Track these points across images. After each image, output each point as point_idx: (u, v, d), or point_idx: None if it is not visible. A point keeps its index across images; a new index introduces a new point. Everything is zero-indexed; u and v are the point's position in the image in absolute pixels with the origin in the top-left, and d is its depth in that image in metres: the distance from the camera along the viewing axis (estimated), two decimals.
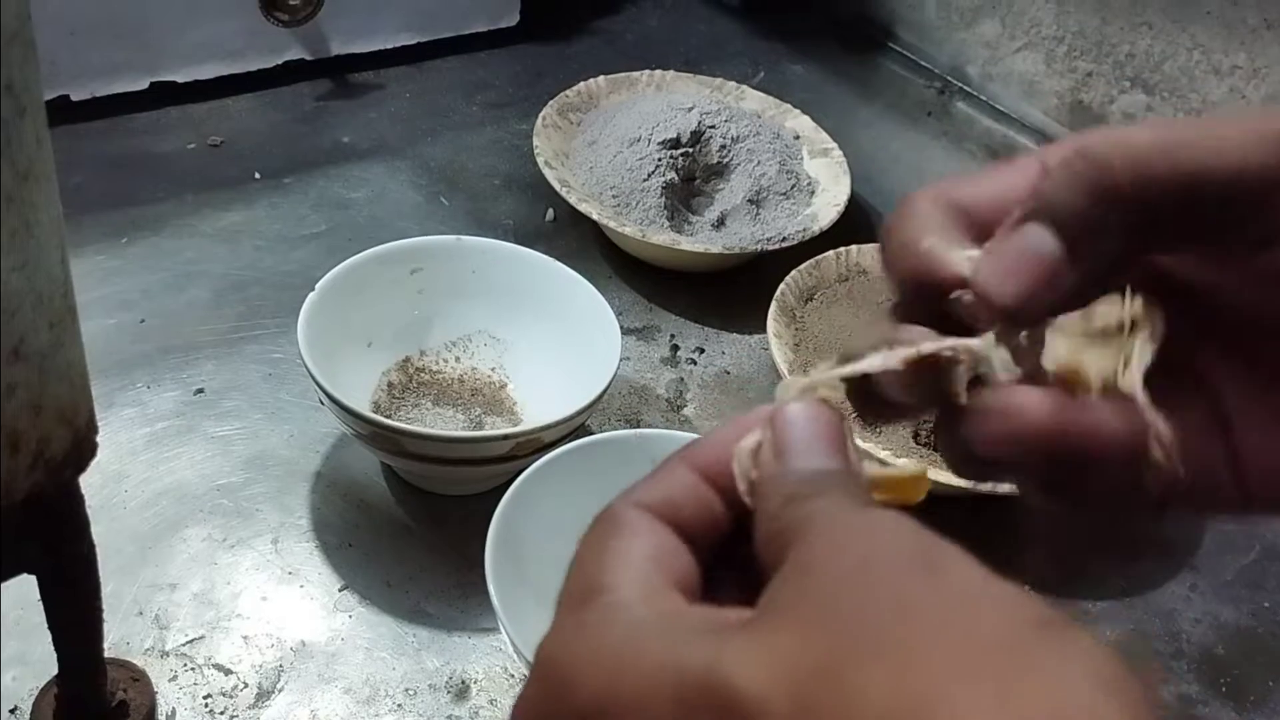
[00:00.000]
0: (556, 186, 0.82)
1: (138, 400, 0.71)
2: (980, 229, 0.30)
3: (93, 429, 0.45)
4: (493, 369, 0.73)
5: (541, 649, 0.26)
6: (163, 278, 0.79)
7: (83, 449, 0.44)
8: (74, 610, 0.49)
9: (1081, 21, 1.05)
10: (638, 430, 0.63)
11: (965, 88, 1.14)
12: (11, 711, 0.55)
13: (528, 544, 0.58)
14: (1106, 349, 0.28)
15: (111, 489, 0.66)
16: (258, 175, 0.89)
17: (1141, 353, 0.28)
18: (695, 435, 0.64)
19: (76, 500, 0.46)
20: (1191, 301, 0.30)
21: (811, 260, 0.78)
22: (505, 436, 0.62)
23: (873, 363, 0.29)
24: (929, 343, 0.29)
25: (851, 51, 1.18)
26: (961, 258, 0.29)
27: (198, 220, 0.84)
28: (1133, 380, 0.28)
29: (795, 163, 0.88)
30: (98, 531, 0.63)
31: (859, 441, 0.28)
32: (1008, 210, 0.29)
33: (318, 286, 0.67)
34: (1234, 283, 0.29)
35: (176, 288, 0.79)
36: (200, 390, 0.72)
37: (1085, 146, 0.28)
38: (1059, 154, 0.29)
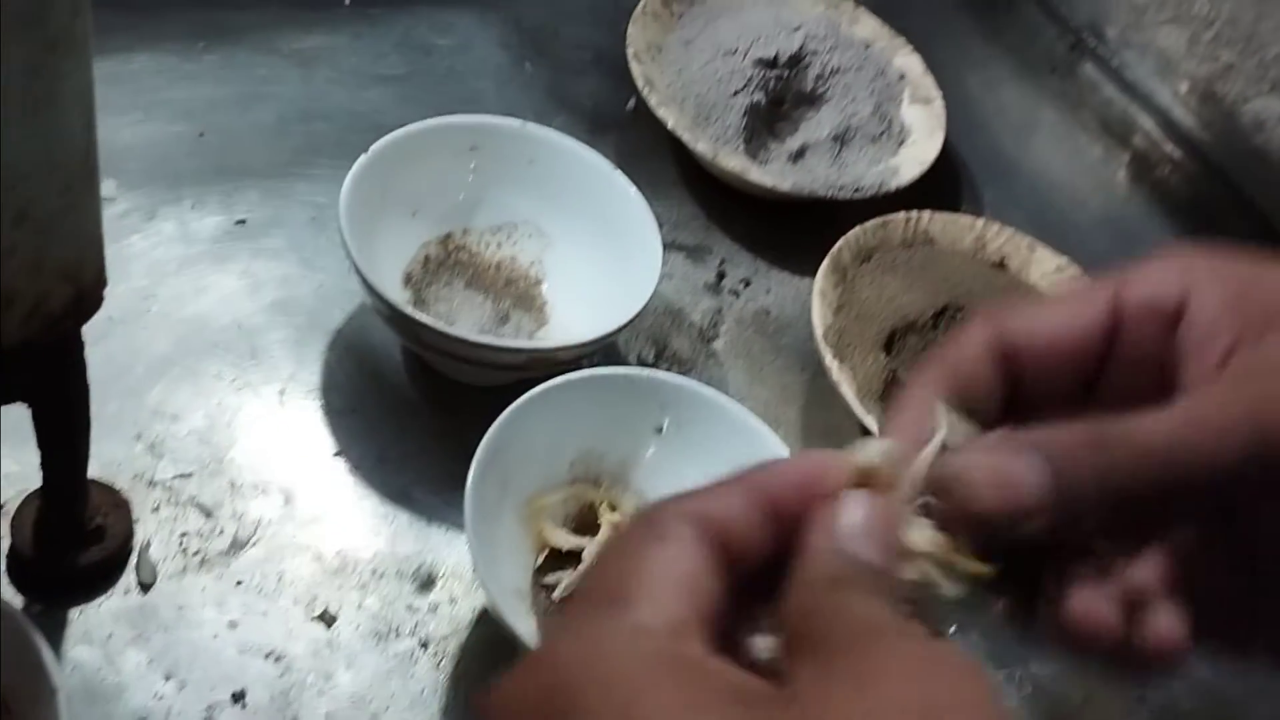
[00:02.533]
0: (639, 83, 0.79)
1: (180, 218, 0.71)
2: (1024, 371, 0.31)
3: (100, 283, 0.46)
4: (531, 263, 0.72)
5: (553, 647, 0.26)
6: (230, 92, 0.78)
7: (85, 304, 0.44)
8: (61, 443, 0.50)
9: (1237, 10, 0.98)
10: (653, 371, 0.62)
11: (1099, 49, 1.08)
12: None
13: (518, 460, 0.58)
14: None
15: (136, 305, 0.66)
16: (347, 0, 0.87)
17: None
18: (703, 388, 0.63)
19: (74, 347, 0.47)
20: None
21: (879, 219, 0.76)
22: (519, 350, 0.61)
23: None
24: None
25: None
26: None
27: (278, 37, 0.82)
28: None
29: (892, 106, 0.84)
30: (112, 348, 0.65)
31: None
32: (1061, 355, 0.31)
33: (370, 149, 0.66)
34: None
35: (242, 106, 0.78)
36: (242, 221, 0.72)
37: (1103, 439, 0.29)
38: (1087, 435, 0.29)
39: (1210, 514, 0.30)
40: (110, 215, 0.69)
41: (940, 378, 0.31)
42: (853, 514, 0.27)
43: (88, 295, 0.44)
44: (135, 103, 0.75)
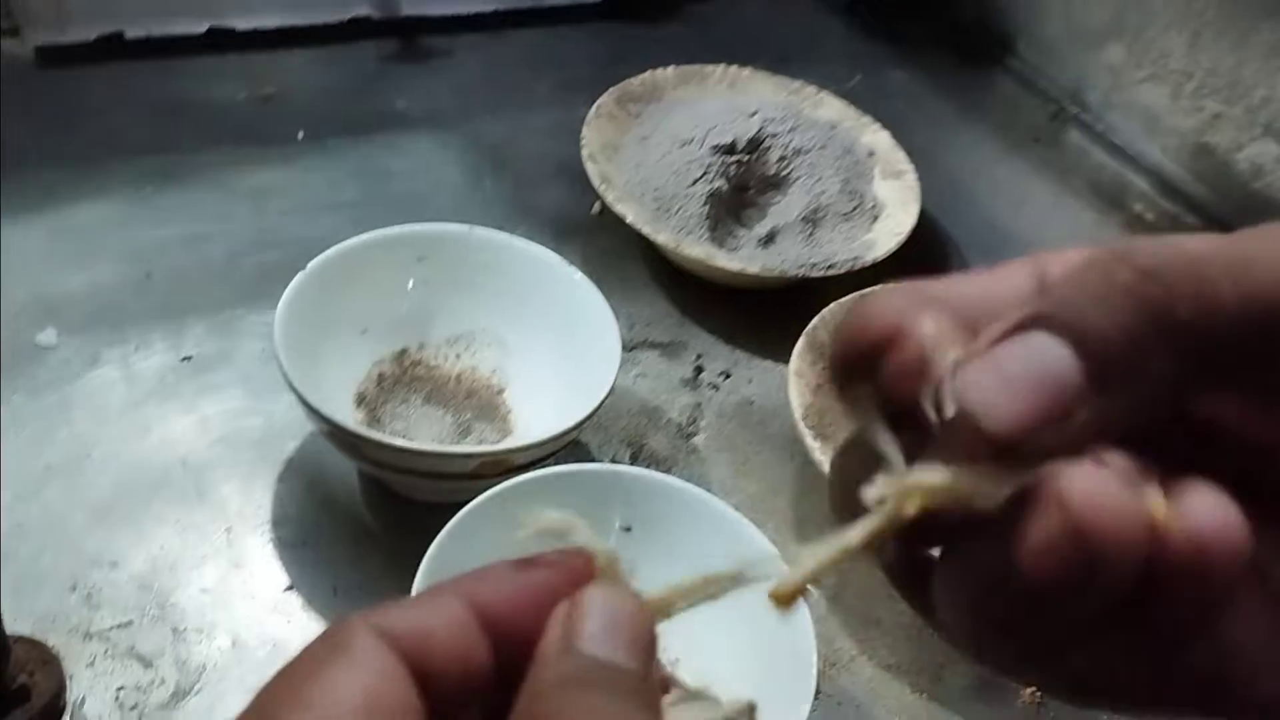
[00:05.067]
0: (595, 181, 0.77)
1: (124, 360, 0.68)
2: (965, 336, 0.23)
3: None
4: (492, 371, 0.69)
5: None
6: (179, 233, 0.76)
7: None
8: None
9: (1215, 59, 0.95)
10: (616, 466, 0.58)
11: (1082, 115, 1.05)
12: None
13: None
14: None
15: (76, 452, 0.63)
16: (301, 135, 0.86)
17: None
18: (671, 480, 0.58)
19: None
20: (1242, 460, 0.23)
21: (856, 294, 0.72)
22: (469, 455, 0.57)
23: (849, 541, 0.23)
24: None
25: (964, 62, 1.10)
26: (945, 358, 0.22)
27: (229, 176, 0.81)
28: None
29: (862, 182, 0.81)
30: (50, 496, 0.61)
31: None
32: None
33: (309, 266, 0.63)
34: None
35: (191, 244, 0.76)
36: (189, 358, 0.69)
37: (1131, 253, 0.21)
38: (1086, 259, 0.22)
39: None
40: (51, 363, 0.67)
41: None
42: (593, 611, 0.23)
43: None
44: (80, 251, 0.73)
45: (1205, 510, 0.21)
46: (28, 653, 0.53)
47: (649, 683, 0.23)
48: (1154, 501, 0.21)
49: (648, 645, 0.23)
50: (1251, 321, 0.20)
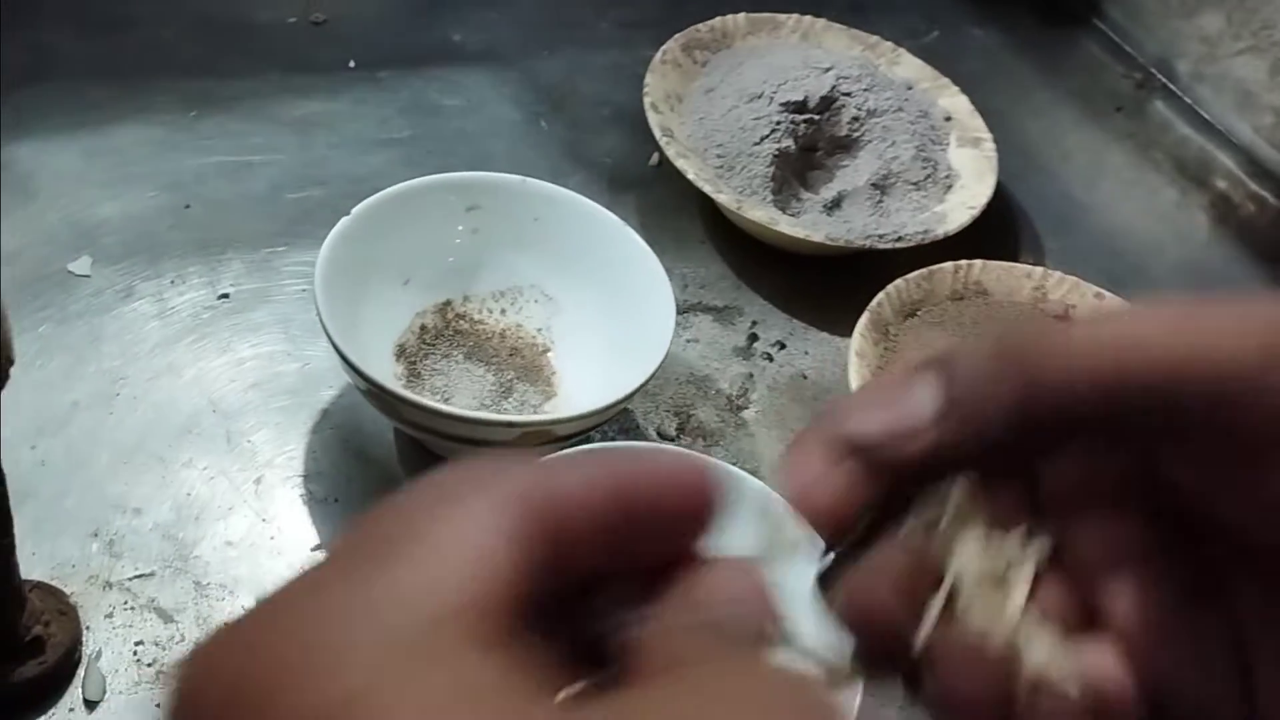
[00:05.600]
0: (657, 133, 0.73)
1: (158, 295, 0.66)
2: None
3: (6, 362, 0.40)
4: (539, 330, 0.66)
5: (270, 614, 0.20)
6: (221, 162, 0.73)
7: None
8: None
9: None
10: (664, 447, 0.55)
11: (1169, 84, 1.00)
12: None
13: None
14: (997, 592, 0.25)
15: (104, 389, 0.61)
16: (352, 64, 0.82)
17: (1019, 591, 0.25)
18: (724, 463, 0.55)
19: None
20: (1203, 522, 0.25)
21: (924, 270, 0.68)
22: (512, 425, 0.54)
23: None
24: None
25: (1047, 23, 1.04)
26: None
27: (276, 104, 0.78)
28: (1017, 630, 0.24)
29: (937, 149, 0.77)
30: (74, 435, 0.59)
31: None
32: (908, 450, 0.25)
33: (352, 213, 0.60)
34: (1233, 506, 0.24)
35: (233, 176, 0.73)
36: (225, 295, 0.66)
37: (1024, 340, 0.25)
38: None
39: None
40: (83, 293, 0.65)
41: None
42: (733, 580, 0.23)
43: None
44: (117, 176, 0.70)
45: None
46: (44, 601, 0.51)
47: (773, 633, 0.23)
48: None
49: (773, 610, 0.23)
50: (1111, 394, 0.23)
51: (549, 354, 0.65)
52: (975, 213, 0.73)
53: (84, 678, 0.51)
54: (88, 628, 0.52)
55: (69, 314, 0.64)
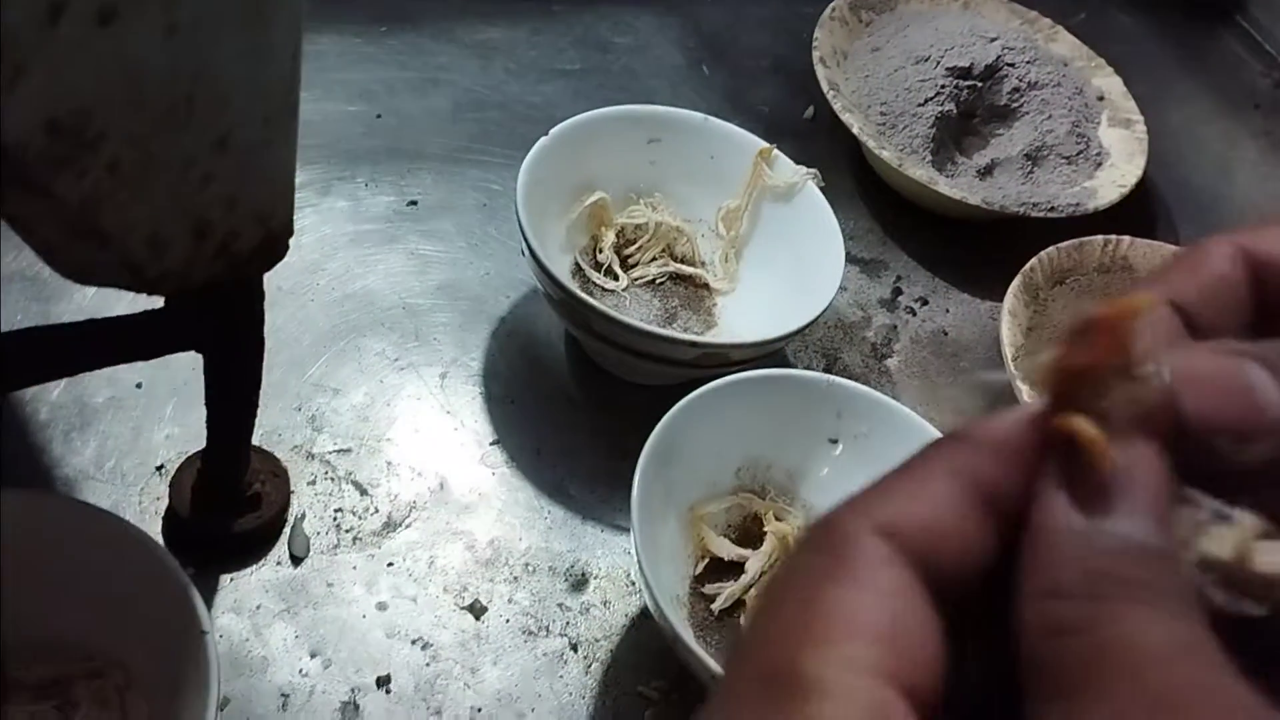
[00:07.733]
0: (824, 87, 0.76)
1: (353, 195, 0.70)
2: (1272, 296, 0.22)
3: (288, 230, 0.44)
4: (705, 262, 0.69)
5: None
6: (409, 77, 0.77)
7: (272, 249, 0.43)
8: (231, 398, 0.49)
9: None
10: (831, 377, 0.58)
11: None
12: (158, 469, 0.56)
13: (682, 463, 0.55)
14: None
15: (305, 278, 0.65)
16: None
17: None
18: (889, 400, 0.59)
19: (256, 296, 0.46)
20: None
21: (1075, 240, 0.71)
22: (693, 344, 0.58)
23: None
24: None
25: (1191, 14, 1.06)
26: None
27: (459, 27, 0.82)
28: None
29: (1090, 126, 0.80)
30: (280, 318, 0.64)
31: None
32: None
33: (551, 132, 0.64)
34: None
35: (419, 91, 0.77)
36: (414, 202, 0.71)
37: None
38: None
39: None
40: None
41: (1177, 284, 0.22)
42: (1109, 471, 0.18)
43: (276, 240, 0.43)
44: (316, 81, 0.75)
45: None
46: (262, 463, 0.56)
47: (1178, 564, 0.19)
48: None
49: (1166, 512, 0.19)
50: None
51: (713, 286, 0.69)
52: (1125, 191, 0.76)
53: (291, 536, 0.56)
54: (293, 491, 0.57)
55: None
